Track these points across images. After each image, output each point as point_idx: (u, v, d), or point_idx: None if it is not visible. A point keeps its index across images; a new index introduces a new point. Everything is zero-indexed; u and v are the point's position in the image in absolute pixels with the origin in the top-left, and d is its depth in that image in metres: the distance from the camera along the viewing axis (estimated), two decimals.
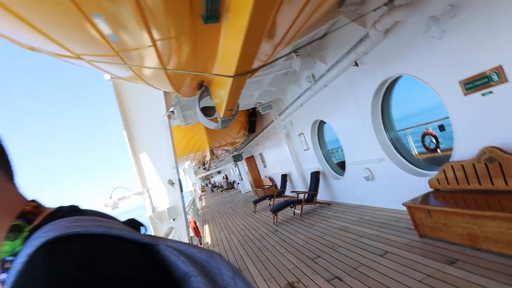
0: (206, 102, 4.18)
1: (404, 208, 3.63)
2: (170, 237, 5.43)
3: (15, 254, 0.40)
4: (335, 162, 7.88)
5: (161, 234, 6.53)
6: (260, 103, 8.24)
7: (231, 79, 2.31)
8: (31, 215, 0.45)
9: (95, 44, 2.09)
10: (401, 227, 3.99)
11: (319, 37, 5.13)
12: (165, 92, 4.71)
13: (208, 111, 4.21)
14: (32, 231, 0.41)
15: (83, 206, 0.48)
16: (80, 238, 0.36)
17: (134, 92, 4.71)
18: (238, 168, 21.04)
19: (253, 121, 10.90)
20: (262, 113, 8.72)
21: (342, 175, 6.90)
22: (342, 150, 6.87)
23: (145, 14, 1.56)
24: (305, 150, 8.26)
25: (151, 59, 2.36)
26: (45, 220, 0.43)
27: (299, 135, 8.33)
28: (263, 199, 10.30)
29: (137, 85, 4.58)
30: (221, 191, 31.23)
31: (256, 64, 2.25)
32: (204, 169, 22.52)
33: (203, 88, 3.93)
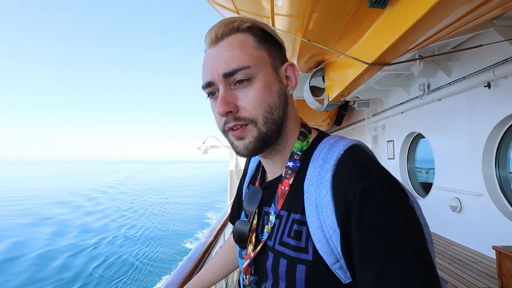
0: (316, 82, 4.27)
1: (488, 253, 3.31)
2: None
3: (301, 150, 0.63)
4: (418, 181, 7.34)
5: (234, 190, 7.12)
6: (358, 97, 7.96)
7: (363, 66, 2.36)
8: (307, 127, 0.67)
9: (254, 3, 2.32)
10: (480, 271, 3.65)
11: (455, 46, 4.70)
12: None
13: (315, 91, 4.30)
14: (315, 139, 0.64)
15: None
16: (359, 147, 0.58)
17: None
18: None
19: (342, 114, 10.58)
20: (356, 109, 8.41)
21: (422, 196, 6.43)
22: (429, 171, 6.35)
23: None
24: (389, 158, 7.83)
25: (293, 25, 2.51)
26: (322, 134, 0.65)
27: (388, 141, 7.90)
28: None
29: None
30: None
31: (396, 59, 2.26)
32: None
33: (319, 67, 4.02)
